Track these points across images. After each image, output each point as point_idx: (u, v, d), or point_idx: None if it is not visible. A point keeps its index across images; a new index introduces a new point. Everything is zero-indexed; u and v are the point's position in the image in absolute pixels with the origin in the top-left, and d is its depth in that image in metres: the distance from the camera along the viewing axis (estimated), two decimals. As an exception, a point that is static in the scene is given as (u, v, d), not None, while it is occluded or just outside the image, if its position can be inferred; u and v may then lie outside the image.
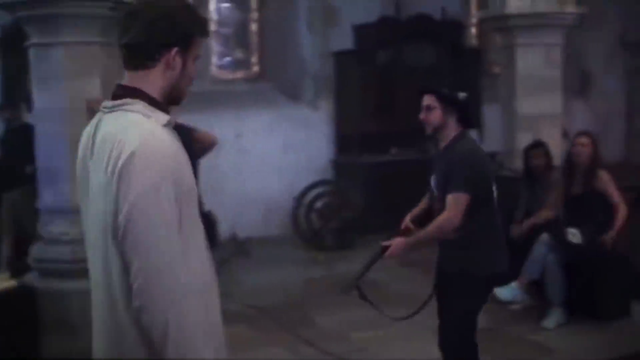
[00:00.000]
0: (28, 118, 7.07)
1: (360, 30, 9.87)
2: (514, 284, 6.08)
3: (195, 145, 6.31)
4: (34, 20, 5.66)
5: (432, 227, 3.92)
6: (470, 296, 3.94)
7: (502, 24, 7.88)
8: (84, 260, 5.68)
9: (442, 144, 4.06)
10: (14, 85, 7.63)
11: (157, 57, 2.01)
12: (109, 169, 1.92)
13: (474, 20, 11.44)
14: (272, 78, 10.10)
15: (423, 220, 4.16)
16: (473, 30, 11.64)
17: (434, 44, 10.19)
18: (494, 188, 3.97)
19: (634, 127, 11.76)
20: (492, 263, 3.99)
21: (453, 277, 3.99)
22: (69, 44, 5.64)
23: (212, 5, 9.84)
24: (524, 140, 7.25)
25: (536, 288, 6.02)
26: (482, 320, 5.89)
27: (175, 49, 2.01)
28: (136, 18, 1.96)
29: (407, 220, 4.29)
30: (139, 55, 2.01)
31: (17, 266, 6.49)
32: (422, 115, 4.02)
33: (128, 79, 2.05)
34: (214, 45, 9.93)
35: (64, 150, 5.73)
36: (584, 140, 6.06)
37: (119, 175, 1.90)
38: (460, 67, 10.28)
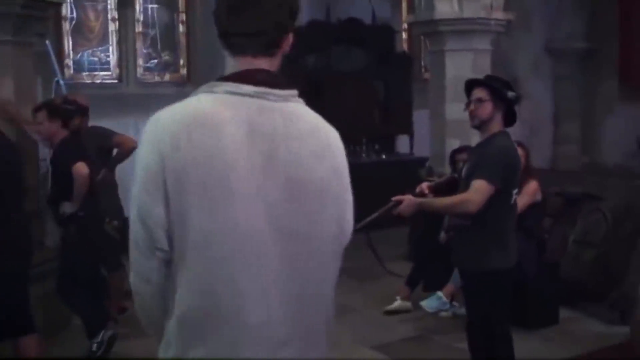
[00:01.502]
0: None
1: (289, 34, 9.74)
2: (439, 293, 6.07)
3: (116, 150, 6.11)
4: (-60, 17, 5.37)
5: (449, 200, 4.06)
6: (492, 292, 4.03)
7: (431, 29, 7.87)
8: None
9: (482, 138, 4.10)
10: None
11: (279, 43, 1.87)
12: (328, 163, 1.84)
13: (404, 25, 11.44)
14: (200, 81, 9.83)
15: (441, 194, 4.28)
16: (404, 35, 11.63)
17: (364, 49, 10.15)
18: (514, 191, 4.04)
19: (560, 133, 11.91)
20: (507, 258, 4.06)
21: (473, 276, 4.12)
22: (-22, 42, 5.37)
23: (137, 6, 9.56)
24: (453, 145, 7.23)
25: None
26: (410, 328, 5.95)
27: (291, 33, 1.90)
28: (257, 4, 1.82)
29: (423, 186, 4.34)
30: (265, 42, 1.85)
31: None
32: (471, 107, 4.03)
33: (255, 63, 1.85)
34: (140, 47, 9.66)
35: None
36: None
37: (345, 175, 1.90)
38: (391, 72, 10.28)
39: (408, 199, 4.03)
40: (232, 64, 1.86)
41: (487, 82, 4.12)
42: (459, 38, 7.69)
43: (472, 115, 4.05)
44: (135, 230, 1.75)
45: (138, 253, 1.77)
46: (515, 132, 4.30)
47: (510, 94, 4.08)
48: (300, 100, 1.88)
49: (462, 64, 7.66)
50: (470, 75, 7.42)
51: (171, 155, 1.69)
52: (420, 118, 9.39)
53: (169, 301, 1.75)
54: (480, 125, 4.07)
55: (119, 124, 7.23)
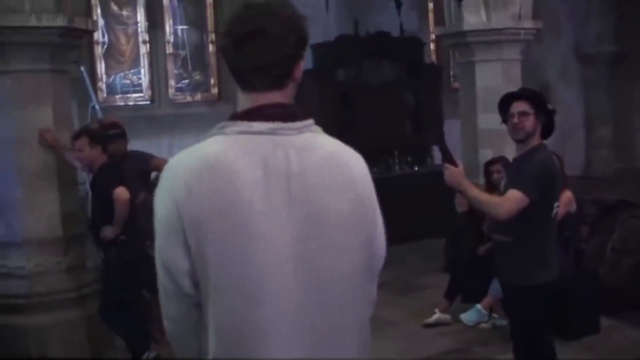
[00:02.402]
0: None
1: (318, 49, 9.79)
2: (478, 306, 6.05)
3: (154, 173, 6.19)
4: (-20, 48, 5.49)
5: (484, 196, 4.08)
6: (535, 306, 4.01)
7: (459, 41, 7.86)
8: (39, 295, 5.56)
9: (521, 151, 4.10)
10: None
11: (289, 74, 1.81)
12: (348, 193, 1.78)
13: (432, 36, 11.44)
14: (231, 99, 9.96)
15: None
16: (432, 46, 11.64)
17: (393, 61, 10.16)
18: (555, 204, 4.04)
19: (593, 138, 11.83)
20: (549, 271, 4.04)
21: (516, 290, 4.10)
22: (18, 72, 5.49)
23: (167, 28, 9.69)
24: (485, 155, 7.21)
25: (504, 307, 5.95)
26: (450, 341, 5.94)
27: (301, 61, 1.83)
28: (262, 37, 1.74)
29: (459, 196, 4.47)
30: (274, 75, 1.78)
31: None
32: (515, 121, 4.02)
33: (266, 98, 1.79)
34: (171, 68, 9.78)
35: (15, 180, 5.58)
36: None
37: (369, 200, 1.85)
38: (420, 83, 10.28)
39: (459, 170, 3.92)
40: (243, 99, 1.82)
41: (530, 95, 4.13)
42: (488, 49, 7.66)
43: (518, 129, 4.03)
44: (161, 279, 1.76)
45: (167, 299, 1.78)
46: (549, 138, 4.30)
47: (550, 106, 4.10)
48: (317, 128, 1.83)
49: (492, 74, 7.64)
50: (501, 85, 7.46)
51: (185, 202, 1.68)
52: (451, 127, 9.37)
53: (203, 343, 1.74)
54: (525, 139, 4.06)
55: (153, 144, 7.33)
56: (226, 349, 1.68)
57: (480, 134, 7.75)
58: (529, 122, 4.00)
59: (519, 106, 4.04)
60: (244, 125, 1.75)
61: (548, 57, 10.74)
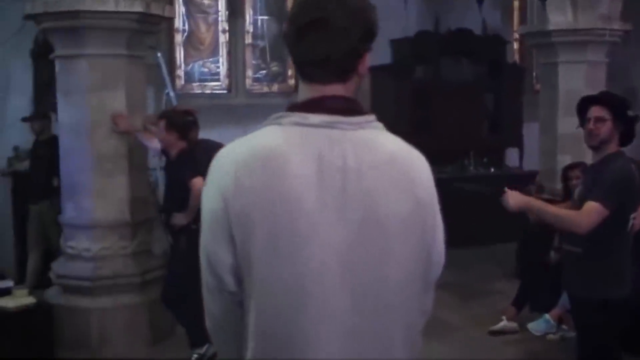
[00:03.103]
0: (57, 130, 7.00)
1: (397, 45, 9.66)
2: (547, 316, 5.86)
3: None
4: (58, 32, 5.59)
5: (560, 212, 3.91)
6: (604, 322, 3.82)
7: (543, 40, 7.63)
8: (104, 278, 5.63)
9: (597, 158, 3.93)
10: (44, 96, 7.57)
11: (354, 67, 1.70)
12: (408, 196, 1.67)
13: (515, 35, 11.16)
14: (307, 92, 9.93)
15: None
16: (515, 45, 11.35)
17: (474, 60, 9.94)
18: (631, 216, 3.85)
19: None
20: (621, 287, 3.87)
21: (583, 304, 3.93)
22: (93, 56, 5.56)
23: (248, 18, 9.71)
24: (564, 161, 6.98)
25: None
26: (516, 350, 5.77)
27: (367, 55, 1.72)
28: (324, 28, 1.65)
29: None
30: (334, 69, 1.68)
31: (43, 280, 6.39)
32: (590, 126, 3.85)
33: (327, 90, 1.69)
34: (250, 58, 9.80)
35: (86, 164, 5.65)
36: None
37: (430, 205, 1.72)
38: (501, 83, 10.04)
39: (516, 193, 3.83)
40: (303, 90, 1.71)
41: (607, 100, 3.93)
42: (573, 49, 7.42)
43: (593, 135, 3.84)
44: (204, 273, 1.68)
45: (208, 294, 1.70)
46: (635, 144, 4.09)
47: (630, 112, 3.88)
48: (379, 125, 1.71)
49: (575, 76, 7.39)
50: (584, 88, 7.18)
51: (233, 196, 1.58)
52: (531, 131, 9.11)
53: (243, 344, 1.66)
54: (600, 146, 3.87)
55: (228, 133, 7.32)
56: (265, 350, 1.61)
57: (559, 138, 7.50)
58: (605, 129, 3.80)
59: (596, 111, 3.85)
60: (300, 116, 1.65)
61: (636, 61, 10.33)
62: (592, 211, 3.71)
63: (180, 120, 5.44)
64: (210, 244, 1.64)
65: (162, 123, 5.31)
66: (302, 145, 1.61)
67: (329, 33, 1.65)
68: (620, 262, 3.88)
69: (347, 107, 1.67)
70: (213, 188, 1.64)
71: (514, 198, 3.78)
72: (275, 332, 1.59)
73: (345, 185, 1.60)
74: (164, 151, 5.50)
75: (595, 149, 3.89)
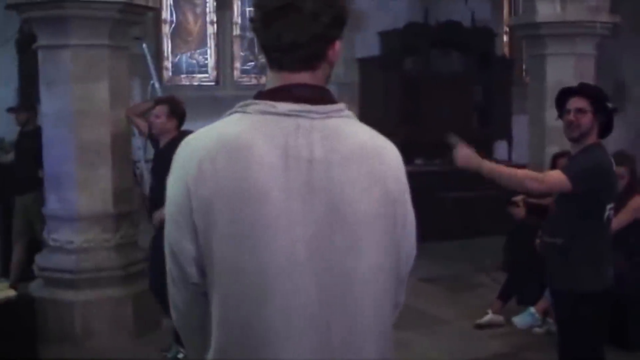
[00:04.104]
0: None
1: (386, 37, 9.62)
2: (532, 309, 5.84)
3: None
4: (41, 22, 5.54)
5: (517, 171, 3.97)
6: (583, 315, 3.79)
7: (532, 32, 7.59)
8: (87, 270, 5.58)
9: (576, 150, 3.90)
10: (29, 87, 7.50)
11: (323, 54, 1.65)
12: (378, 188, 1.62)
13: (505, 27, 11.13)
14: (295, 84, 9.88)
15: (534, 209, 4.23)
16: (505, 37, 11.32)
17: (463, 52, 9.91)
18: (608, 206, 3.82)
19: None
20: (600, 279, 3.84)
21: (563, 296, 3.93)
22: (77, 46, 5.50)
23: (236, 9, 9.65)
24: (552, 153, 6.94)
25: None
26: (501, 343, 5.75)
27: (338, 42, 1.67)
28: (292, 13, 1.60)
29: (518, 197, 4.69)
30: (302, 56, 1.63)
31: (29, 272, 6.34)
32: (571, 117, 3.81)
33: (295, 78, 1.64)
34: (238, 50, 9.74)
35: (70, 155, 5.59)
36: (621, 171, 5.63)
37: (401, 197, 1.69)
38: (490, 75, 10.01)
39: (468, 150, 3.85)
40: (271, 78, 1.66)
41: (587, 92, 3.89)
42: (561, 42, 7.38)
43: (573, 126, 3.81)
44: (168, 264, 1.64)
45: (173, 286, 1.66)
46: (620, 136, 4.06)
47: (610, 104, 3.85)
48: (349, 114, 1.67)
49: (563, 68, 7.34)
50: (572, 80, 7.13)
51: (196, 182, 1.55)
52: (520, 123, 9.09)
53: (209, 335, 1.61)
54: (579, 138, 3.84)
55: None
56: (229, 344, 1.57)
57: (548, 131, 7.47)
58: (586, 120, 3.77)
59: (576, 102, 3.82)
60: (267, 104, 1.60)
61: (624, 54, 10.31)
62: (556, 175, 3.80)
63: (182, 108, 5.40)
64: (173, 233, 1.60)
65: (164, 109, 5.25)
66: (268, 134, 1.57)
67: (297, 18, 1.60)
68: (601, 254, 3.86)
69: (315, 96, 1.63)
70: (177, 176, 1.61)
71: (461, 157, 3.80)
72: (239, 323, 1.55)
73: (312, 175, 1.56)
74: (152, 138, 5.45)
75: (574, 140, 3.86)
